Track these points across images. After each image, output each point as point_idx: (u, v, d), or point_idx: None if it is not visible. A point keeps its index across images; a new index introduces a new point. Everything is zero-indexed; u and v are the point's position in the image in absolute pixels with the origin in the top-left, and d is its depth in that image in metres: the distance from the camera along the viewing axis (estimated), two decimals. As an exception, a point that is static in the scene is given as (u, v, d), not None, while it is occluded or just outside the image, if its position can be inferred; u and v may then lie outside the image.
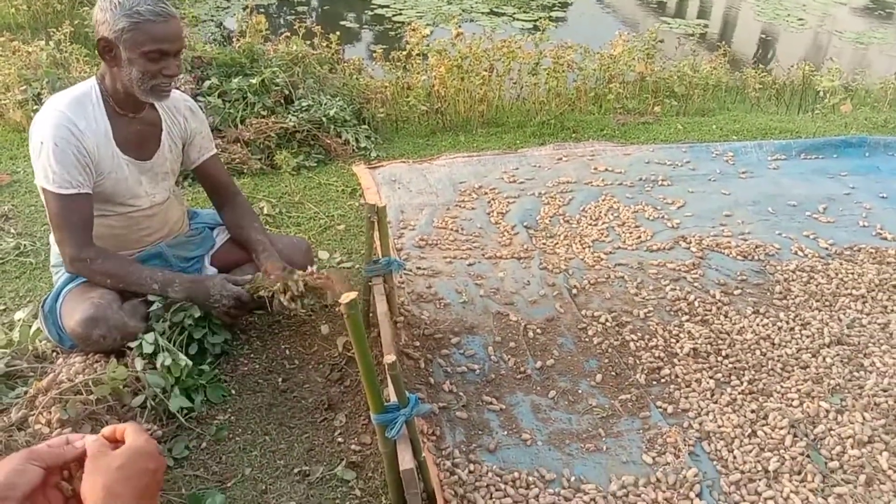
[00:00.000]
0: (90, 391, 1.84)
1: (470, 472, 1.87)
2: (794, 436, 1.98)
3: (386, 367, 1.58)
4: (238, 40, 4.40)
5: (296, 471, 1.87)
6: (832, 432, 2.00)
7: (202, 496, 1.78)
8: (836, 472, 1.90)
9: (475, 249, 2.93)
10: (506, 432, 2.02)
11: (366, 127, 4.06)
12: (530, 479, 1.86)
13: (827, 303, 2.58)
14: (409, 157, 3.87)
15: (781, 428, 2.00)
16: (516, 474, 1.87)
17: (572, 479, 1.87)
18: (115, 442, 0.89)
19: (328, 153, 3.79)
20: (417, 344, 2.31)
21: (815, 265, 2.80)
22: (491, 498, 1.80)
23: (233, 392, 2.13)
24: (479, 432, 2.02)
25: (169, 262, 2.28)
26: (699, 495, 1.81)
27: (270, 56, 4.25)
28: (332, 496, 1.81)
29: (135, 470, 0.83)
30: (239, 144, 3.62)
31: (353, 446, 1.95)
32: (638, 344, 2.36)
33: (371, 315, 2.34)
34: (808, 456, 1.92)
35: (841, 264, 2.81)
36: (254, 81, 3.86)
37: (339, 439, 1.98)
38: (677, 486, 1.84)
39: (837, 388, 2.17)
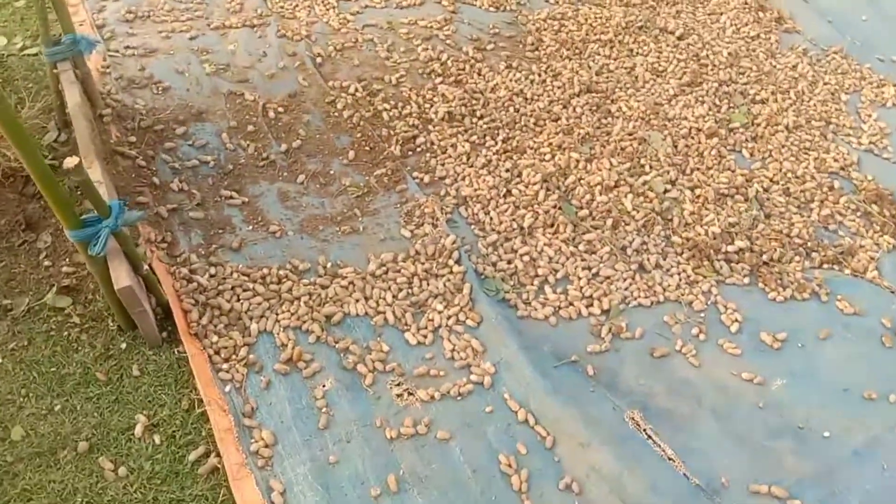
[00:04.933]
0: None
1: (211, 276, 1.66)
2: (547, 189, 1.97)
3: (70, 172, 1.26)
4: None
5: (-8, 308, 1.55)
6: (582, 182, 2.02)
7: None
8: (586, 219, 1.94)
9: (198, 19, 2.45)
10: (251, 227, 1.81)
11: None
12: (282, 272, 1.70)
13: (577, 51, 2.52)
14: None
15: (535, 183, 1.98)
16: (266, 270, 1.69)
17: (328, 265, 1.74)
18: None
19: None
20: (133, 139, 1.94)
21: (565, 12, 2.70)
22: (238, 300, 1.62)
23: None
24: (220, 231, 1.78)
25: None
26: (458, 261, 1.77)
27: None
28: (45, 328, 1.53)
29: None
30: None
31: (64, 268, 1.64)
32: (391, 113, 2.18)
33: (67, 113, 1.91)
34: (559, 208, 1.93)
35: (590, 9, 2.73)
36: None
37: (46, 263, 1.65)
38: (436, 255, 1.78)
39: (587, 136, 2.17)
